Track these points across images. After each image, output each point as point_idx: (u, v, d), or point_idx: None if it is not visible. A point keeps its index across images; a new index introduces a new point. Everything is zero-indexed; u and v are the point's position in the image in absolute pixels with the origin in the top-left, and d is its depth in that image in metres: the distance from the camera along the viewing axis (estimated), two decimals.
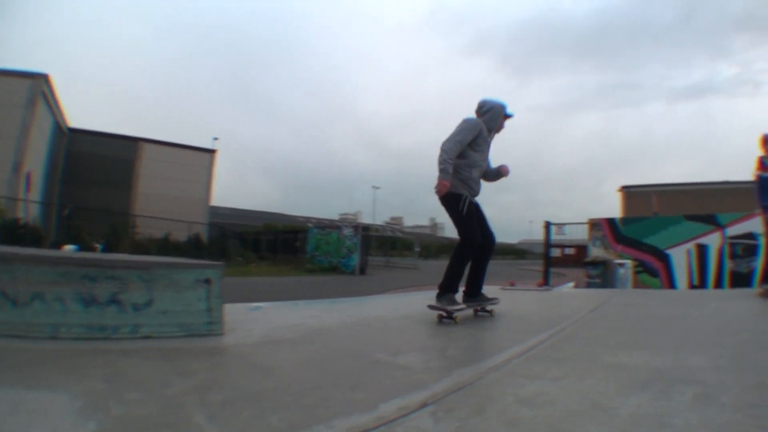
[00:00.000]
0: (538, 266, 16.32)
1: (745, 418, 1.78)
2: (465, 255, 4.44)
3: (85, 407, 1.85)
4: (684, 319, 4.62)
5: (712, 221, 12.59)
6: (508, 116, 4.82)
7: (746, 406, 1.91)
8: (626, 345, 3.24)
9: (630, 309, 5.48)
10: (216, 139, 37.67)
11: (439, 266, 37.51)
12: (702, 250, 12.50)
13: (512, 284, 10.54)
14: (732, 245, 12.24)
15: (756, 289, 6.71)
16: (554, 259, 15.61)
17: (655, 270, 12.79)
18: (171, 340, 3.13)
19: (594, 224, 14.32)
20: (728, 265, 12.20)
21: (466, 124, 4.51)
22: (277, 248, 34.07)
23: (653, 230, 13.10)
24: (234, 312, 4.25)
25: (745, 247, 12.11)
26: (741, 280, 11.82)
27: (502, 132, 4.93)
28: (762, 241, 11.42)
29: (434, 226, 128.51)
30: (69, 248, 12.84)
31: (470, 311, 4.69)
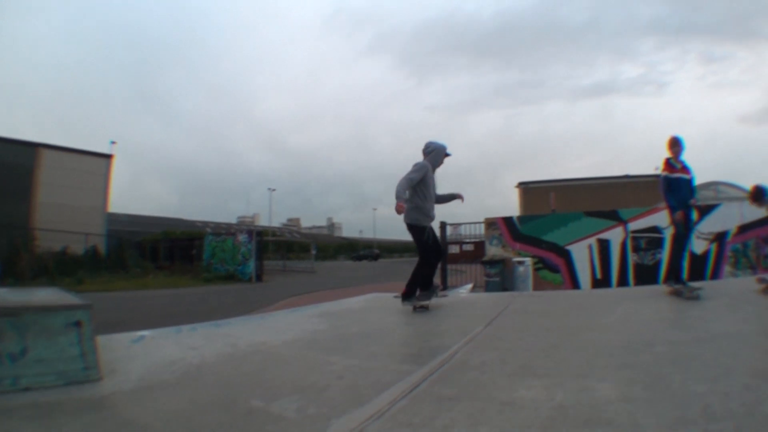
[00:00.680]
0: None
1: None
2: (425, 270, 6.06)
3: None
4: (589, 331, 4.36)
5: (614, 216, 12.63)
6: (447, 155, 6.21)
7: None
8: (525, 372, 3.01)
9: (530, 319, 5.28)
10: (114, 143, 35.28)
11: (336, 268, 36.86)
12: (604, 244, 12.51)
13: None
14: (635, 239, 12.35)
15: (663, 287, 6.69)
16: (453, 255, 15.09)
17: (555, 266, 12.63)
18: (50, 391, 2.90)
19: (490, 223, 13.80)
20: (632, 258, 12.31)
21: (416, 167, 5.86)
22: (175, 257, 32.16)
23: (552, 227, 12.88)
24: (115, 346, 4.02)
25: (649, 241, 12.26)
26: (646, 272, 12.05)
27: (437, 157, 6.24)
28: (667, 235, 11.68)
29: (332, 226, 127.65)
30: None
31: (410, 307, 6.06)
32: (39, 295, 3.91)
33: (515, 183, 41.54)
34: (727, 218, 12.59)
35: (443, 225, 14.66)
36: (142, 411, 2.63)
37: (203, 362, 3.67)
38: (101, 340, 3.60)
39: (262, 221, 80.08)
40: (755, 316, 4.78)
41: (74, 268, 23.52)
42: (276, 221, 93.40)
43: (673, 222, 6.60)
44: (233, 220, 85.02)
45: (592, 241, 12.54)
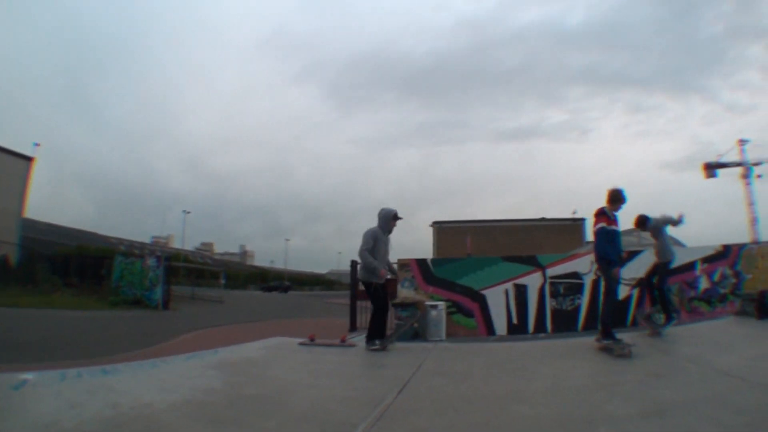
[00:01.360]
0: (346, 298, 14.46)
1: None
2: (378, 317, 7.39)
3: None
4: (518, 402, 3.79)
5: (532, 262, 12.41)
6: (396, 219, 7.31)
7: None
8: None
9: (448, 384, 4.65)
10: (37, 145, 33.87)
11: (245, 298, 35.67)
12: (521, 289, 12.21)
13: (311, 339, 8.19)
14: (554, 284, 12.19)
15: (593, 342, 6.45)
16: (363, 292, 13.64)
17: (470, 311, 12.13)
18: None
19: (403, 264, 13.00)
20: (550, 303, 12.11)
21: (365, 236, 7.12)
22: (85, 274, 30.29)
23: (468, 271, 12.39)
24: None
25: (568, 287, 12.14)
26: (564, 317, 11.87)
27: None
28: (587, 281, 11.94)
29: (244, 254, 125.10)
30: None
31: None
32: None
33: (430, 222, 41.60)
34: (650, 263, 12.25)
35: (353, 264, 13.62)
36: None
37: (78, 429, 3.25)
38: None
39: (176, 243, 77.63)
40: (698, 378, 4.40)
41: None
42: (190, 244, 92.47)
43: (607, 276, 6.56)
44: (148, 240, 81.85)
45: (509, 285, 12.13)
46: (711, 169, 55.14)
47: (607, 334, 6.23)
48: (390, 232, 7.39)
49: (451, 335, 11.39)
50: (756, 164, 53.65)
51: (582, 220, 41.04)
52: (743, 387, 4.02)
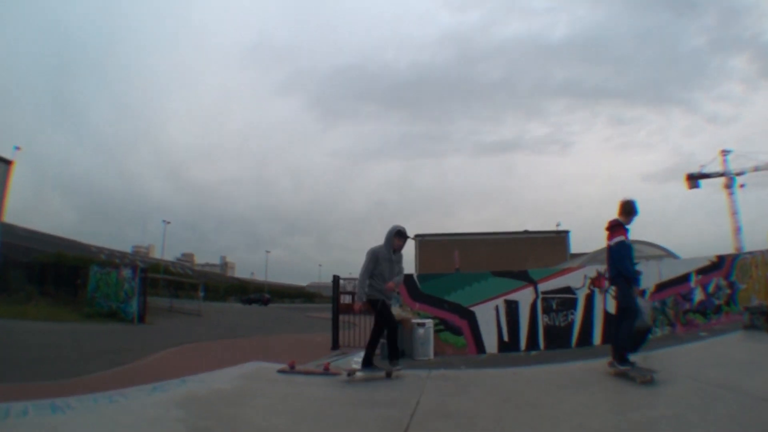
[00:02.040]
0: (328, 311, 13.88)
1: None
2: (377, 333, 7.10)
3: None
4: None
5: (523, 277, 11.96)
6: (400, 236, 7.17)
7: None
8: None
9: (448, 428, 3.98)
10: (18, 148, 33.29)
11: (225, 311, 35.00)
12: (512, 305, 11.75)
13: (291, 366, 7.45)
14: (546, 300, 11.79)
15: (608, 367, 5.85)
16: (345, 306, 13.90)
17: (458, 328, 11.63)
18: None
19: None
20: (542, 319, 11.69)
21: (366, 257, 6.94)
22: (62, 283, 29.11)
23: (456, 287, 11.88)
24: None
25: (561, 302, 11.76)
26: (557, 334, 11.54)
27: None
28: (580, 296, 11.65)
29: (225, 265, 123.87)
30: None
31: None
32: None
33: (411, 235, 41.08)
34: (645, 277, 11.89)
35: (335, 279, 13.24)
36: None
37: None
38: None
39: (157, 253, 76.40)
40: (738, 408, 3.91)
41: None
42: (170, 255, 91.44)
43: (627, 295, 5.94)
44: (128, 249, 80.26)
45: (499, 302, 11.68)
46: (693, 179, 55.51)
47: (623, 359, 5.69)
48: (397, 250, 7.14)
49: (439, 354, 10.90)
50: (739, 174, 54.13)
51: (566, 232, 40.93)
52: None
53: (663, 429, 3.66)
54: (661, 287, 12.27)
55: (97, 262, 30.36)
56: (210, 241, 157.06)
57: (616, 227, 6.07)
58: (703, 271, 12.57)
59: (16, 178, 32.25)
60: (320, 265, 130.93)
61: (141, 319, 23.14)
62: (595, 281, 11.90)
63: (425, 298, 11.84)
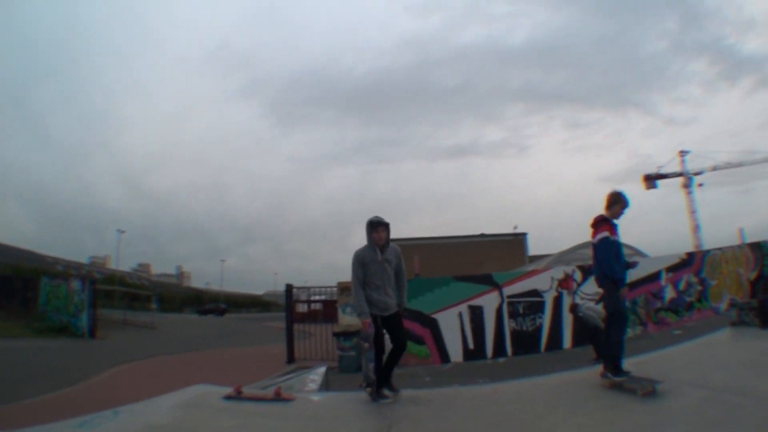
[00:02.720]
0: (284, 321, 13.16)
1: None
2: (378, 356, 5.36)
3: None
4: None
5: (487, 281, 11.44)
6: (375, 227, 5.38)
7: None
8: None
9: None
10: None
11: (180, 322, 33.55)
12: (476, 311, 11.19)
13: (238, 391, 6.36)
14: (512, 304, 11.28)
15: (601, 378, 5.16)
16: (300, 314, 13.63)
17: (419, 337, 10.99)
18: None
19: (344, 288, 11.72)
20: (509, 324, 11.18)
21: (352, 262, 5.44)
22: (15, 297, 27.44)
23: (416, 293, 11.02)
24: None
25: (528, 305, 11.30)
26: (525, 339, 11.18)
27: None
28: (548, 299, 11.26)
29: (181, 275, 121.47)
30: None
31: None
32: None
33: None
34: None
35: (288, 288, 12.48)
36: None
37: None
38: None
39: (114, 263, 74.57)
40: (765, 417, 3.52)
41: None
42: (127, 265, 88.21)
43: (614, 298, 5.20)
44: (86, 260, 77.68)
45: (463, 308, 11.12)
46: (651, 180, 56.33)
47: (617, 369, 5.05)
48: (382, 246, 5.44)
49: (402, 365, 9.95)
50: (697, 173, 55.36)
51: (523, 234, 40.72)
52: None
53: None
54: (632, 286, 11.70)
55: (49, 274, 28.85)
56: (167, 250, 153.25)
57: (600, 223, 5.38)
58: (674, 269, 12.37)
59: None
60: (276, 274, 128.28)
61: (92, 333, 21.80)
62: (563, 283, 11.48)
63: None
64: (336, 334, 10.96)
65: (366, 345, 5.40)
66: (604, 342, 5.43)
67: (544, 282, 11.32)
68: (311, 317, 13.32)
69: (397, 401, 5.26)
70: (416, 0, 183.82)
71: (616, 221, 5.39)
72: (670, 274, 12.27)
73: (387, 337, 5.39)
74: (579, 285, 11.54)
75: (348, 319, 11.21)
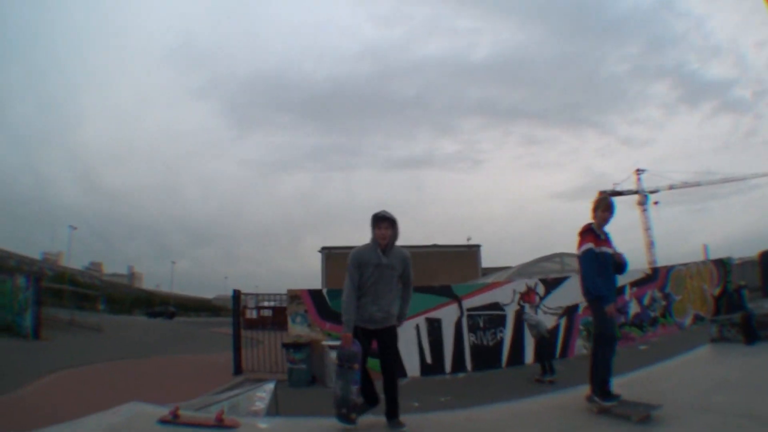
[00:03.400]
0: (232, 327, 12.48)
1: None
2: (364, 377, 4.34)
3: None
4: None
5: (446, 293, 11.02)
6: (379, 221, 4.32)
7: None
8: None
9: None
10: None
11: (128, 325, 32.59)
12: (434, 324, 10.78)
13: (175, 415, 5.52)
14: (472, 317, 10.89)
15: (587, 402, 4.62)
16: (250, 321, 13.10)
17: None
18: None
19: (294, 296, 11.06)
20: (468, 338, 10.81)
21: (348, 262, 4.41)
22: None
23: None
24: None
25: (488, 319, 10.93)
26: (485, 353, 10.83)
27: None
28: (509, 312, 10.93)
29: (132, 275, 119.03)
30: None
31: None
32: None
33: (317, 247, 40.16)
34: (577, 291, 11.20)
35: (236, 294, 11.77)
36: None
37: None
38: None
39: (66, 261, 72.53)
40: None
41: None
42: (79, 263, 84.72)
43: (600, 316, 4.67)
44: (37, 256, 75.22)
45: (420, 320, 10.65)
46: None
47: (605, 393, 4.56)
48: (386, 245, 4.36)
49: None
50: (653, 192, 56.36)
51: (477, 246, 40.50)
52: None
53: None
54: None
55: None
56: (119, 250, 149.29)
57: (585, 233, 4.89)
58: (638, 284, 12.19)
59: None
60: (226, 278, 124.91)
61: (36, 334, 20.57)
62: (525, 296, 11.13)
63: (336, 316, 10.28)
64: (285, 346, 10.31)
65: (355, 366, 4.26)
66: (590, 363, 4.85)
67: (505, 295, 10.95)
68: (260, 324, 12.66)
69: None
70: (381, 9, 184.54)
71: (605, 228, 4.91)
72: (635, 289, 12.08)
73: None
74: (542, 299, 11.22)
75: (298, 329, 10.58)
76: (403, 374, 10.11)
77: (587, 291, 4.72)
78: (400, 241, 4.36)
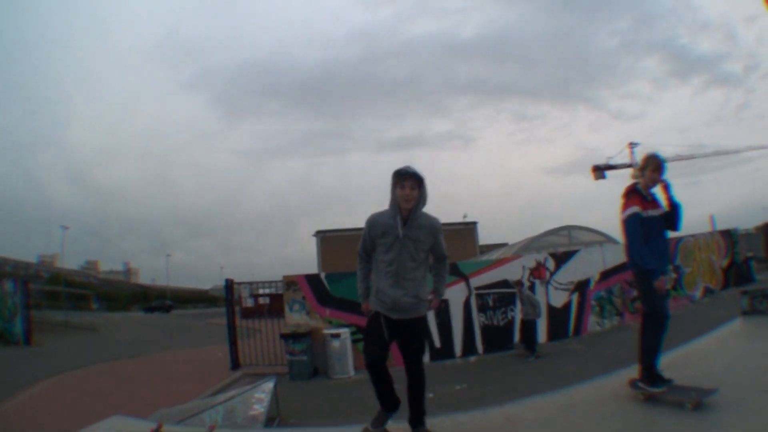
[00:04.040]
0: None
1: None
2: (369, 374, 3.40)
3: None
4: None
5: (453, 271, 10.04)
6: (402, 178, 3.31)
7: None
8: None
9: None
10: None
11: (124, 322, 31.90)
12: (441, 305, 9.10)
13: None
14: (481, 296, 10.39)
15: (630, 388, 3.97)
16: (248, 310, 12.77)
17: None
18: None
19: (290, 283, 10.32)
20: (478, 319, 10.27)
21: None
22: None
23: None
24: None
25: (498, 297, 10.43)
26: (496, 334, 10.32)
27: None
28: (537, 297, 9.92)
29: (128, 271, 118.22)
30: None
31: None
32: None
33: (312, 232, 39.63)
34: (588, 265, 11.42)
35: (228, 284, 11.13)
36: None
37: None
38: None
39: (61, 262, 72.29)
40: None
41: None
42: (75, 263, 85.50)
43: (647, 290, 3.94)
44: (34, 259, 74.75)
45: None
46: (600, 171, 56.81)
47: (653, 378, 3.94)
48: (408, 209, 3.37)
49: (360, 369, 8.96)
50: None
51: (474, 223, 39.98)
52: None
53: None
54: (606, 275, 11.39)
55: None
56: (114, 246, 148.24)
57: (629, 194, 4.22)
58: None
59: None
60: (222, 268, 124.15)
61: (27, 339, 19.91)
62: (535, 272, 10.65)
63: (337, 302, 9.99)
64: (284, 336, 9.68)
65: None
66: (638, 345, 4.19)
67: (514, 271, 10.39)
68: (258, 312, 12.08)
69: None
70: None
71: (653, 191, 4.22)
72: None
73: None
74: (552, 274, 10.72)
75: (296, 318, 9.96)
76: None
77: (633, 263, 4.08)
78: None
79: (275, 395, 6.23)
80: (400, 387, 3.42)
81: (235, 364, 10.38)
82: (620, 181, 56.87)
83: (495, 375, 8.33)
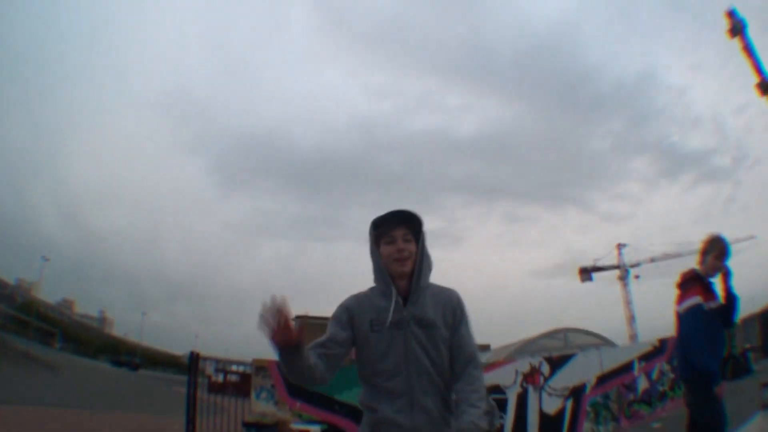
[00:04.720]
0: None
1: None
2: None
3: None
4: None
5: None
6: (386, 224, 2.37)
7: None
8: None
9: None
10: None
11: (89, 369, 30.65)
12: None
13: None
14: None
15: None
16: (215, 384, 11.40)
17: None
18: None
19: (260, 367, 9.57)
20: None
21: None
22: None
23: (351, 382, 8.55)
24: None
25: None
26: None
27: None
28: (511, 396, 9.64)
29: (103, 320, 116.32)
30: None
31: None
32: None
33: (292, 316, 39.38)
34: (584, 369, 10.48)
35: (194, 356, 10.02)
36: None
37: None
38: None
39: (40, 292, 71.21)
40: None
41: None
42: (51, 296, 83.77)
43: (705, 399, 3.33)
44: (11, 281, 73.84)
45: None
46: (587, 272, 58.07)
47: None
48: (410, 278, 2.23)
49: None
50: (634, 266, 57.08)
51: None
52: None
53: None
54: (603, 379, 10.41)
55: None
56: (93, 291, 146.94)
57: (689, 281, 3.62)
58: (646, 357, 10.88)
59: None
60: (197, 336, 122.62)
61: None
62: (528, 377, 9.82)
63: (308, 395, 9.07)
64: (246, 425, 8.94)
65: None
66: None
67: (507, 376, 9.74)
68: (226, 388, 11.30)
69: None
70: (375, 82, 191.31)
71: (712, 281, 3.64)
72: (643, 363, 10.70)
73: None
74: (546, 379, 9.97)
75: (262, 406, 9.14)
76: None
77: (689, 364, 3.47)
78: None
79: None
80: None
81: None
82: (607, 283, 58.04)
83: None
